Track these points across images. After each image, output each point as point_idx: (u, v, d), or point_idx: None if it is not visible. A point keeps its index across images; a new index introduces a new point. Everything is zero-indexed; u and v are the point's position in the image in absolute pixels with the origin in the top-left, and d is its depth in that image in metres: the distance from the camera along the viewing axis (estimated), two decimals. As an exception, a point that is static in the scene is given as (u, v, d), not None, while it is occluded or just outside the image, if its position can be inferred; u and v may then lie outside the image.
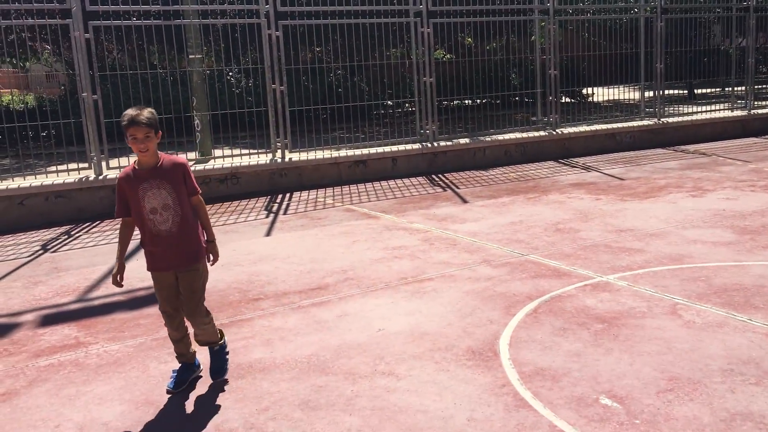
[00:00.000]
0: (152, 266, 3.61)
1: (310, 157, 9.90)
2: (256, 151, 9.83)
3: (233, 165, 9.37)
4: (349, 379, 3.70)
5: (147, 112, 3.42)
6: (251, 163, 9.48)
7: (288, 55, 10.05)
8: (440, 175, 10.22)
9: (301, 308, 4.82)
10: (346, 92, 12.64)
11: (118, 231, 3.70)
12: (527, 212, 7.45)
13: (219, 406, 3.48)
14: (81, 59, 8.42)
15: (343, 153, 10.12)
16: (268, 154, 9.76)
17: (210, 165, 9.39)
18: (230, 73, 14.13)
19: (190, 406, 3.50)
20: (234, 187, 9.37)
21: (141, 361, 4.08)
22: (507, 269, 5.44)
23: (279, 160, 9.64)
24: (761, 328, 4.07)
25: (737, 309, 4.37)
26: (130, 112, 3.39)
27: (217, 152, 9.87)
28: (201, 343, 3.78)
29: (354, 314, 4.66)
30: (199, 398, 3.58)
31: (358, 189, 9.40)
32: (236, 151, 9.82)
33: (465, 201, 8.28)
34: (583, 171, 10.09)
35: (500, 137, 11.28)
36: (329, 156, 9.99)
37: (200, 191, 3.63)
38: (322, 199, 8.81)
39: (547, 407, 3.29)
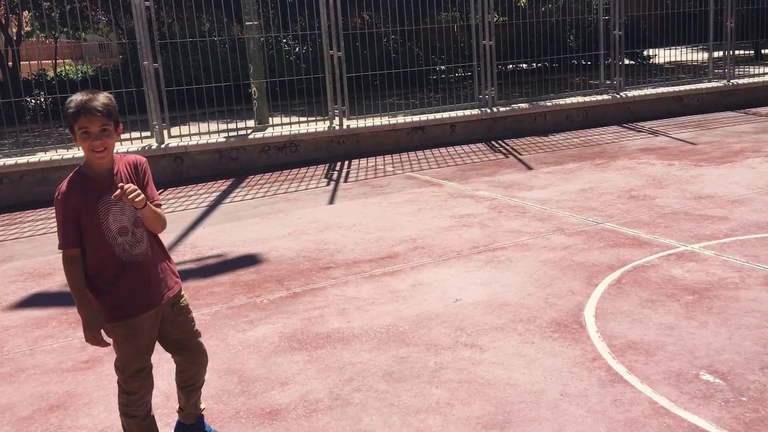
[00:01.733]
0: (125, 311, 2.60)
1: (368, 124, 9.77)
2: (314, 118, 9.74)
3: (291, 133, 9.31)
4: (431, 351, 3.61)
5: (103, 97, 2.50)
6: (309, 131, 9.40)
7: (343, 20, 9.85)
8: (500, 141, 9.97)
9: (374, 277, 4.74)
10: (401, 58, 12.40)
11: (73, 263, 2.56)
12: (596, 179, 7.19)
13: (302, 376, 3.43)
14: (142, 27, 8.41)
15: (401, 119, 9.94)
16: (326, 122, 9.67)
17: (269, 132, 9.35)
18: (284, 40, 14.00)
19: (272, 375, 3.46)
20: (292, 155, 9.32)
21: (218, 330, 4.06)
22: (583, 238, 5.25)
23: (337, 128, 9.53)
24: None
25: (838, 280, 4.12)
26: (79, 97, 2.47)
27: (273, 120, 9.81)
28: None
29: (428, 284, 4.56)
30: (280, 367, 3.54)
31: (417, 156, 9.24)
32: (293, 119, 9.75)
33: (529, 168, 8.05)
34: (650, 135, 9.71)
35: (561, 101, 10.93)
36: (387, 123, 9.84)
37: (161, 202, 2.70)
38: (382, 167, 8.68)
39: (644, 383, 3.14)
